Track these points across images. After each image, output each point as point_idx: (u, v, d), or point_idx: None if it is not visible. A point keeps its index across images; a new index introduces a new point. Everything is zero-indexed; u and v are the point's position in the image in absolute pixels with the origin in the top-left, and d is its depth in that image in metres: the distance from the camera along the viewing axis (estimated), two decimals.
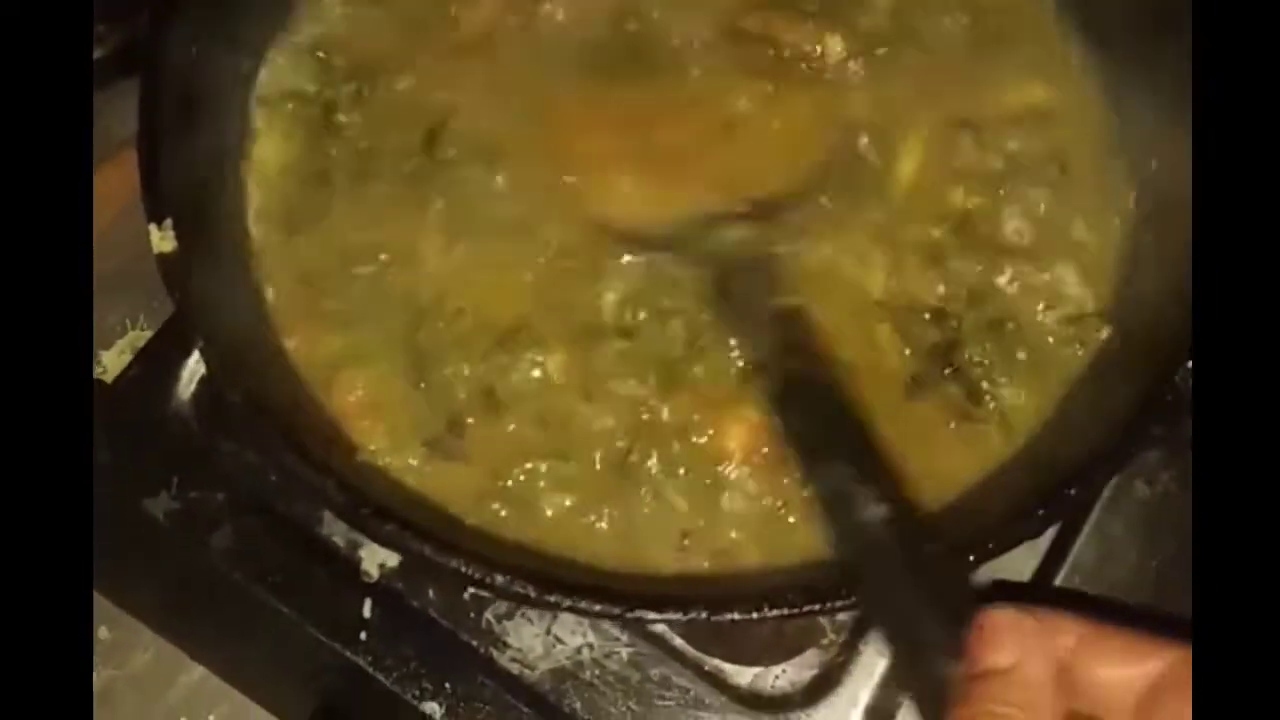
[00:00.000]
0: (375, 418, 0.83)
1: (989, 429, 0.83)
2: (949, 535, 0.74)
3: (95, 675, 1.03)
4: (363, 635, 0.90)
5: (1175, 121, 0.80)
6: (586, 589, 0.72)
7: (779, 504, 0.81)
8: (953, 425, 0.83)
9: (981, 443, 0.83)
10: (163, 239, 0.77)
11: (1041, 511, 0.73)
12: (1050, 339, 0.86)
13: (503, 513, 0.82)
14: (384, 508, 0.74)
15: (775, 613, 0.71)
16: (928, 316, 0.85)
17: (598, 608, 0.71)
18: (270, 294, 0.86)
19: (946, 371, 0.84)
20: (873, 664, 0.89)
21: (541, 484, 0.82)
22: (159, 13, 0.81)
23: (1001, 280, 0.87)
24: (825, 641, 0.90)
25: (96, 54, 1.17)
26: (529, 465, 0.82)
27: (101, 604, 1.03)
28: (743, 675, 0.89)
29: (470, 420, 0.83)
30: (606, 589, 0.73)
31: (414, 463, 0.82)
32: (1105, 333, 0.85)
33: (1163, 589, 0.90)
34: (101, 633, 1.04)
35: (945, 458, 0.82)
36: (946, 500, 0.81)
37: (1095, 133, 0.91)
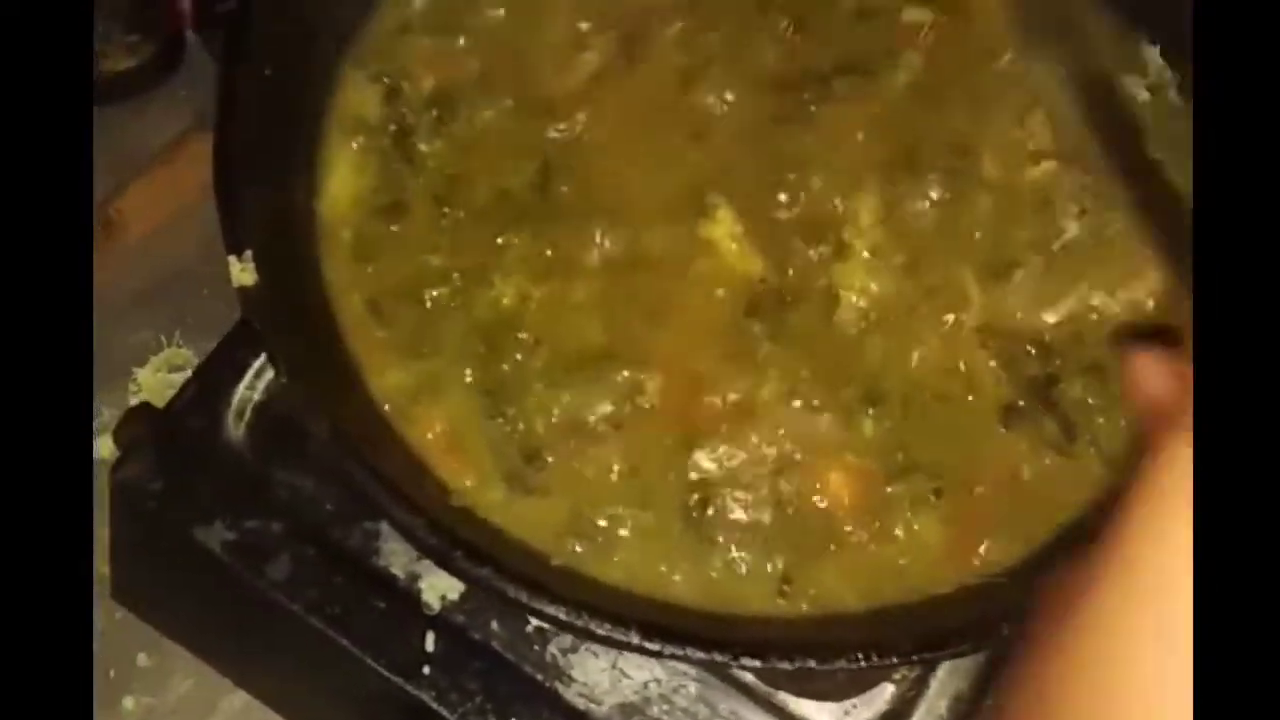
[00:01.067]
0: (460, 454, 0.81)
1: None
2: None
3: (134, 702, 1.02)
4: (425, 669, 0.88)
5: None
6: (688, 636, 0.70)
7: (873, 545, 0.80)
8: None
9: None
10: (243, 271, 0.75)
11: None
12: None
13: (579, 549, 0.81)
14: (474, 548, 0.72)
15: (882, 662, 0.70)
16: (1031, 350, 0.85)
17: (701, 655, 0.70)
18: (343, 324, 0.84)
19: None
20: (945, 694, 0.88)
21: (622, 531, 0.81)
22: (233, 38, 0.78)
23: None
24: (897, 677, 0.89)
25: (129, 64, 1.15)
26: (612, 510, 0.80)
27: (140, 631, 1.01)
28: (814, 711, 0.88)
29: (550, 458, 0.82)
30: (704, 636, 0.71)
31: (498, 498, 0.81)
32: None
33: None
34: (140, 659, 1.03)
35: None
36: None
37: None
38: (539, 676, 0.89)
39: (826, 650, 0.70)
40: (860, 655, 0.70)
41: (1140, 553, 0.52)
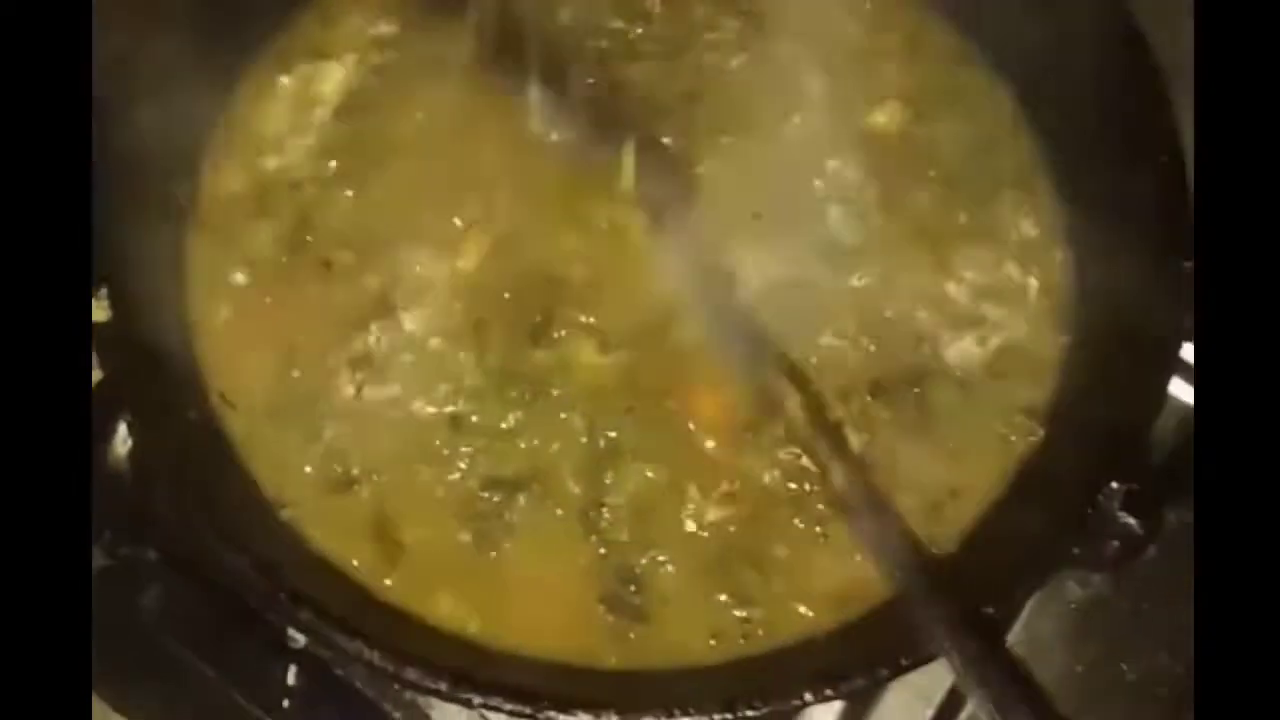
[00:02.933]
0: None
1: None
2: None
3: None
4: (285, 702, 0.90)
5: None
6: (501, 688, 0.71)
7: None
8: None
9: None
10: (98, 307, 0.77)
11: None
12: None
13: None
14: (298, 592, 0.74)
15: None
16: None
17: (509, 706, 0.71)
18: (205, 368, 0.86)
19: None
20: None
21: None
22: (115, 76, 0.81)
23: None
24: None
25: None
26: None
27: None
28: None
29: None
30: (520, 688, 0.72)
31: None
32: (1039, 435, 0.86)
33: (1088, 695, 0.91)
34: None
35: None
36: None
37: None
38: (396, 715, 0.90)
39: (628, 705, 0.71)
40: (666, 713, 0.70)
41: None
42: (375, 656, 0.71)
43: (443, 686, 0.71)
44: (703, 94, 0.97)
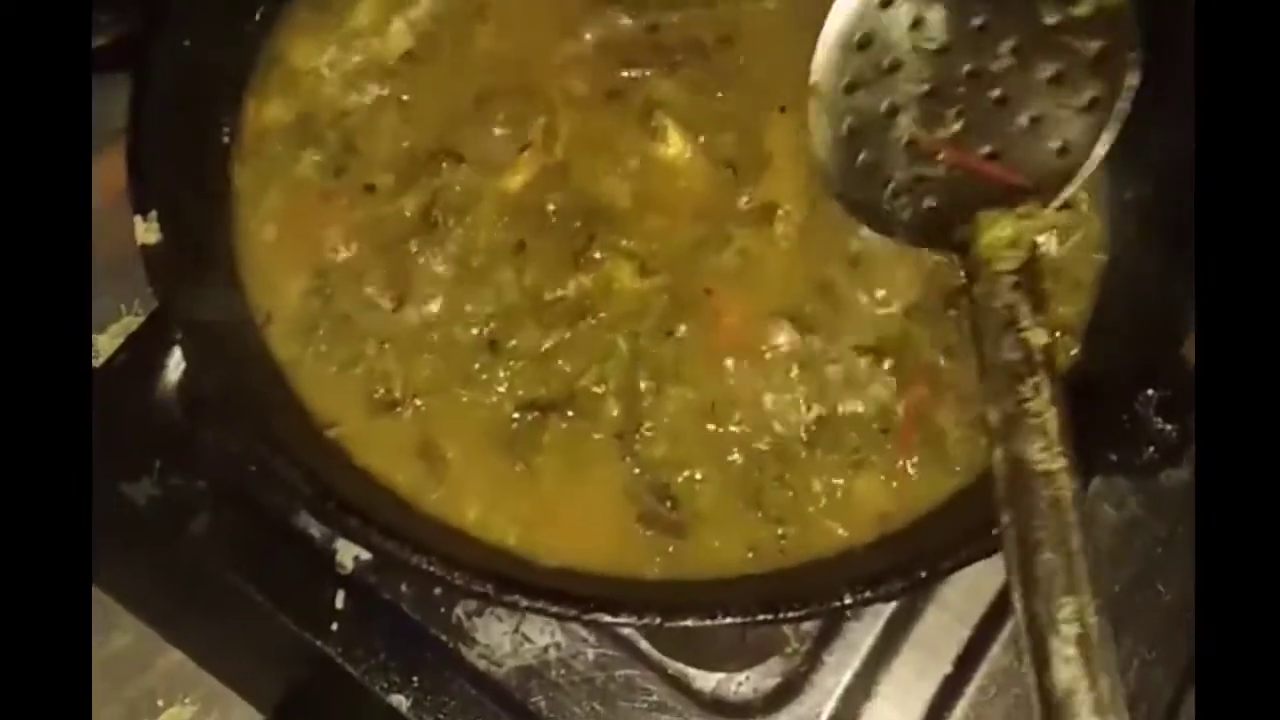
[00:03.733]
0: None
1: None
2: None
3: None
4: (334, 626, 0.92)
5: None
6: (546, 591, 0.73)
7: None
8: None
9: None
10: (147, 230, 0.79)
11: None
12: None
13: None
14: (347, 502, 0.75)
15: (729, 620, 0.71)
16: None
17: (555, 609, 0.72)
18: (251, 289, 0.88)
19: None
20: (836, 674, 0.90)
21: None
22: (154, 9, 0.82)
23: None
24: (789, 650, 0.91)
25: (96, 42, 1.19)
26: None
27: None
28: (706, 680, 0.91)
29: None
30: (566, 592, 0.74)
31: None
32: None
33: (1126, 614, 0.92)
34: None
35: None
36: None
37: None
38: (443, 638, 0.92)
39: (673, 610, 0.72)
40: (708, 615, 0.72)
41: None
42: (423, 561, 0.72)
43: (489, 589, 0.72)
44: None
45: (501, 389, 0.86)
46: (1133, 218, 0.88)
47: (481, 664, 0.91)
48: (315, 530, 0.94)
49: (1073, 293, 0.88)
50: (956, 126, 0.86)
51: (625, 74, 0.94)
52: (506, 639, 0.92)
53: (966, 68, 0.85)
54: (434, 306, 0.88)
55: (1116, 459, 0.75)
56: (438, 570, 0.73)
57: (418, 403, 0.86)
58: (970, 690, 0.91)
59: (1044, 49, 0.83)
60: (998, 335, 0.75)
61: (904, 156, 0.87)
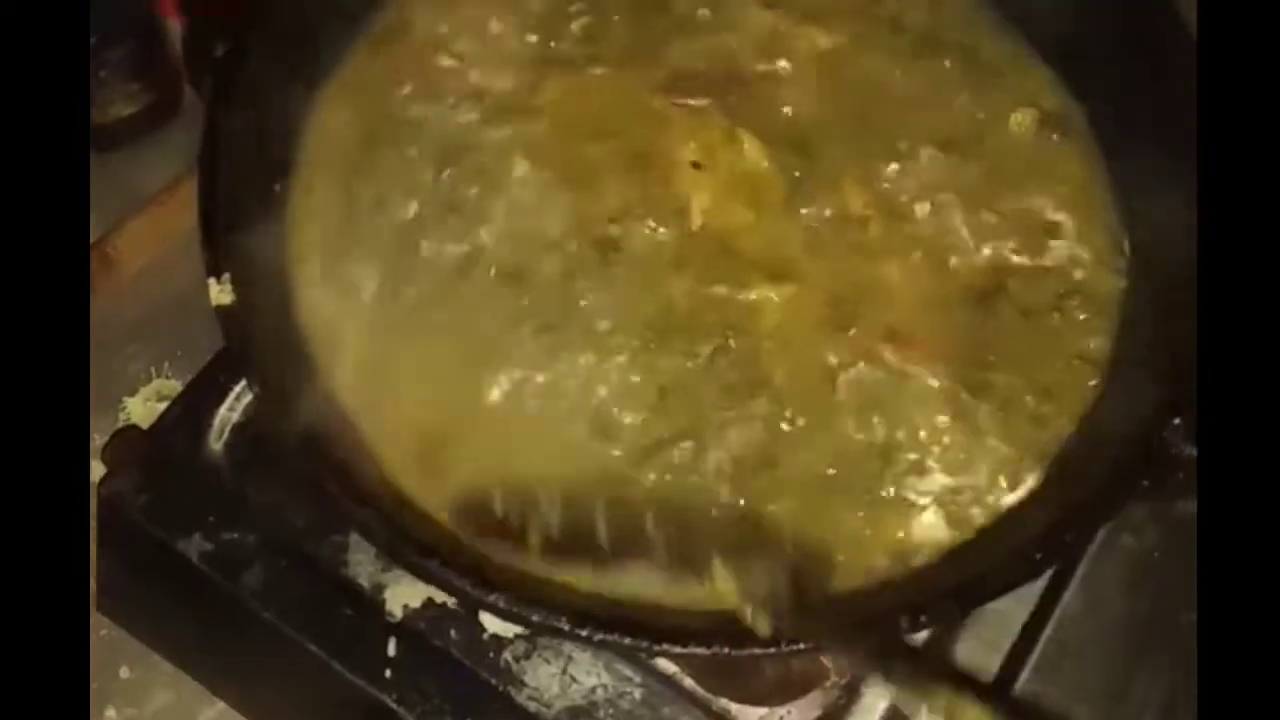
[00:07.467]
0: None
1: None
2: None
3: (116, 713, 1.07)
4: (387, 673, 0.94)
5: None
6: (615, 622, 0.76)
7: None
8: None
9: None
10: (221, 292, 0.82)
11: (1039, 556, 0.78)
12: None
13: None
14: (423, 544, 0.78)
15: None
16: None
17: (627, 641, 0.75)
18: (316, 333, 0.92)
19: None
20: (873, 706, 0.94)
21: None
22: (220, 75, 0.86)
23: None
24: (829, 684, 0.94)
25: (129, 111, 1.24)
26: None
27: (123, 645, 1.07)
28: (749, 716, 0.94)
29: None
30: (627, 620, 0.77)
31: None
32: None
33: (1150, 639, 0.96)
34: (122, 672, 1.08)
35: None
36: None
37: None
38: (493, 680, 0.95)
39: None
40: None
41: None
42: (499, 600, 0.76)
43: (564, 625, 0.75)
44: None
45: None
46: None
47: (531, 705, 0.94)
48: (365, 580, 0.97)
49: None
50: None
51: None
52: (555, 681, 0.95)
53: None
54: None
55: (1148, 484, 0.79)
56: (513, 608, 0.76)
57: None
58: None
59: None
60: None
61: None
